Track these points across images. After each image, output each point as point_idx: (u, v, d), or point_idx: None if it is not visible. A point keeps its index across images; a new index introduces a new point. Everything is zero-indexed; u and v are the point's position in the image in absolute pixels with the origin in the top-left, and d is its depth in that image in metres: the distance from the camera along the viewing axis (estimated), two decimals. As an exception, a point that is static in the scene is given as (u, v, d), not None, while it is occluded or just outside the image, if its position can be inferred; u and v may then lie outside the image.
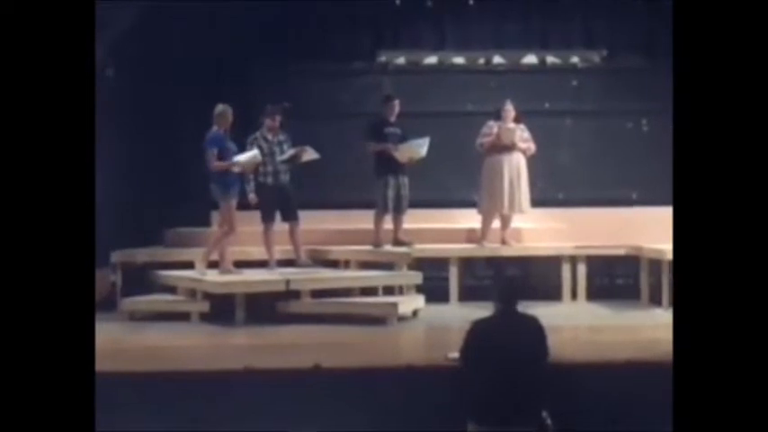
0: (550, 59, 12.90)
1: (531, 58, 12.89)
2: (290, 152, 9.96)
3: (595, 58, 12.88)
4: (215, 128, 9.70)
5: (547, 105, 12.52)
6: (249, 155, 9.75)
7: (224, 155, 9.64)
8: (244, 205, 9.92)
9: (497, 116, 10.72)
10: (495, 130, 10.60)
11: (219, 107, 9.73)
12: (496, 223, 10.76)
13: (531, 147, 10.71)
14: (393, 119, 10.47)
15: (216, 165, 9.60)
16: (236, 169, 9.66)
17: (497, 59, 12.90)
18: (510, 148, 10.60)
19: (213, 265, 9.77)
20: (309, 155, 9.99)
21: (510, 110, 10.69)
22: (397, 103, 10.49)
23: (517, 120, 10.73)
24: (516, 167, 10.61)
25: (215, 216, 10.44)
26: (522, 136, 10.68)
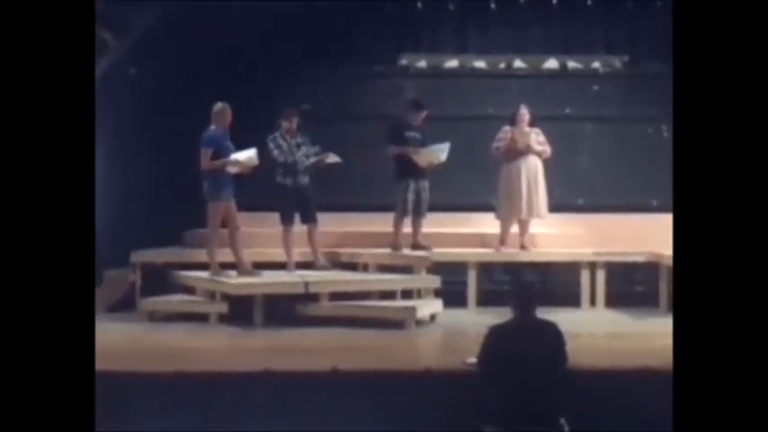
0: (572, 64, 12.90)
1: (552, 63, 12.90)
2: (312, 160, 9.96)
3: (617, 63, 12.87)
4: (213, 126, 9.60)
5: (568, 110, 12.51)
6: (247, 154, 9.57)
7: (222, 154, 9.52)
8: (259, 207, 9.91)
9: (512, 121, 10.71)
10: (510, 134, 10.60)
11: (218, 105, 9.61)
12: (515, 228, 10.74)
13: (547, 150, 10.69)
14: (416, 123, 10.47)
15: (207, 164, 9.49)
16: (231, 170, 9.54)
17: (519, 64, 12.91)
18: (526, 152, 10.58)
19: (231, 266, 9.77)
20: (331, 159, 10.01)
21: (525, 114, 10.68)
22: (425, 113, 10.47)
23: (531, 124, 10.71)
24: (534, 172, 10.60)
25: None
26: (537, 139, 10.66)
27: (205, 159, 9.50)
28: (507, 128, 10.69)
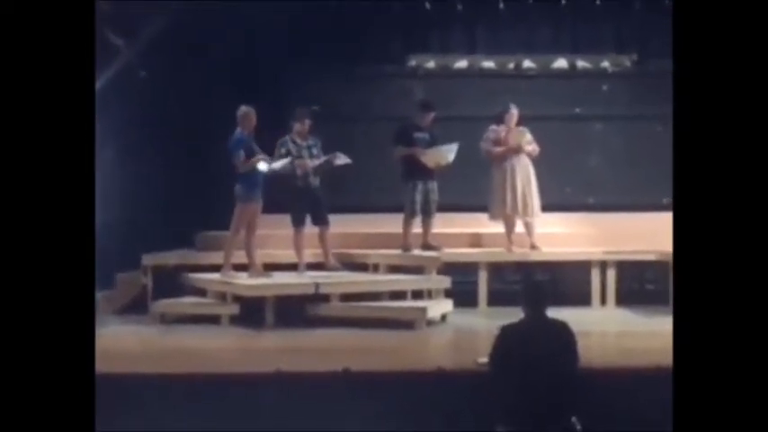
0: (581, 64, 12.90)
1: (561, 63, 12.90)
2: (321, 159, 9.98)
3: (626, 62, 12.86)
4: (239, 129, 9.69)
5: (577, 110, 12.51)
6: (283, 162, 9.76)
7: (249, 157, 9.62)
8: (269, 208, 9.95)
9: (499, 119, 10.67)
10: (504, 134, 10.56)
11: (243, 108, 9.70)
12: (519, 228, 10.71)
13: (536, 148, 10.66)
14: (424, 124, 10.47)
15: (245, 162, 9.57)
16: (261, 167, 9.63)
17: (528, 64, 12.92)
18: (518, 151, 10.55)
19: (242, 267, 9.79)
20: (341, 160, 10.02)
21: (514, 113, 10.65)
22: (433, 114, 10.47)
23: (519, 123, 10.69)
24: (526, 172, 10.57)
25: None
26: (526, 138, 10.64)
27: (239, 161, 9.56)
28: (494, 127, 10.66)
